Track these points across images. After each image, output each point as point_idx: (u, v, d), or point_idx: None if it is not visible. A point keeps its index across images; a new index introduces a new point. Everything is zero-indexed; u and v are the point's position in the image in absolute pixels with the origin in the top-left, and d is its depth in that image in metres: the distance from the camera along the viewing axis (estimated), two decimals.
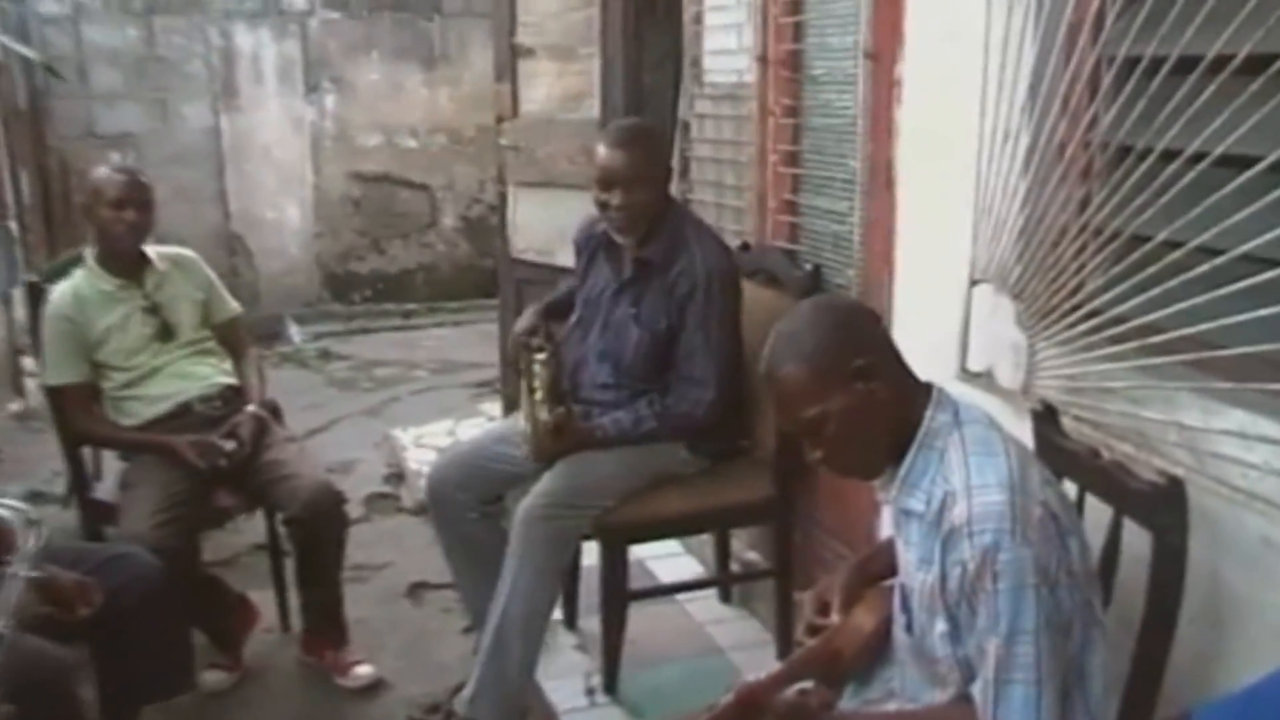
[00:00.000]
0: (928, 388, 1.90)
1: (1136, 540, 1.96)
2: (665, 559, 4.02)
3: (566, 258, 3.61)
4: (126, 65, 7.63)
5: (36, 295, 3.54)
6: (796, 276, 3.23)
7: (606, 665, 3.23)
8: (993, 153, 2.40)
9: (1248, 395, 1.89)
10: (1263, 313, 1.80)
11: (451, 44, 8.30)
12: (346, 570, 3.68)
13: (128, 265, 3.48)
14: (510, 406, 4.55)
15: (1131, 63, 2.05)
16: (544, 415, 3.09)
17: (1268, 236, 1.77)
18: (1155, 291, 2.02)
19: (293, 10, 7.98)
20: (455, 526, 3.33)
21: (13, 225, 6.11)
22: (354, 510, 4.70)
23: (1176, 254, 1.97)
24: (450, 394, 6.54)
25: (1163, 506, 1.89)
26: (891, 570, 2.06)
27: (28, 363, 5.91)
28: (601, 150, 3.09)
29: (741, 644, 3.54)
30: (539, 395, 3.10)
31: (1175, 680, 1.91)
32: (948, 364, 2.58)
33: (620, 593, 3.20)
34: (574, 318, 3.34)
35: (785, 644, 3.33)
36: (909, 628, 1.93)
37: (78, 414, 3.45)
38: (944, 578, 1.79)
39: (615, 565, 3.16)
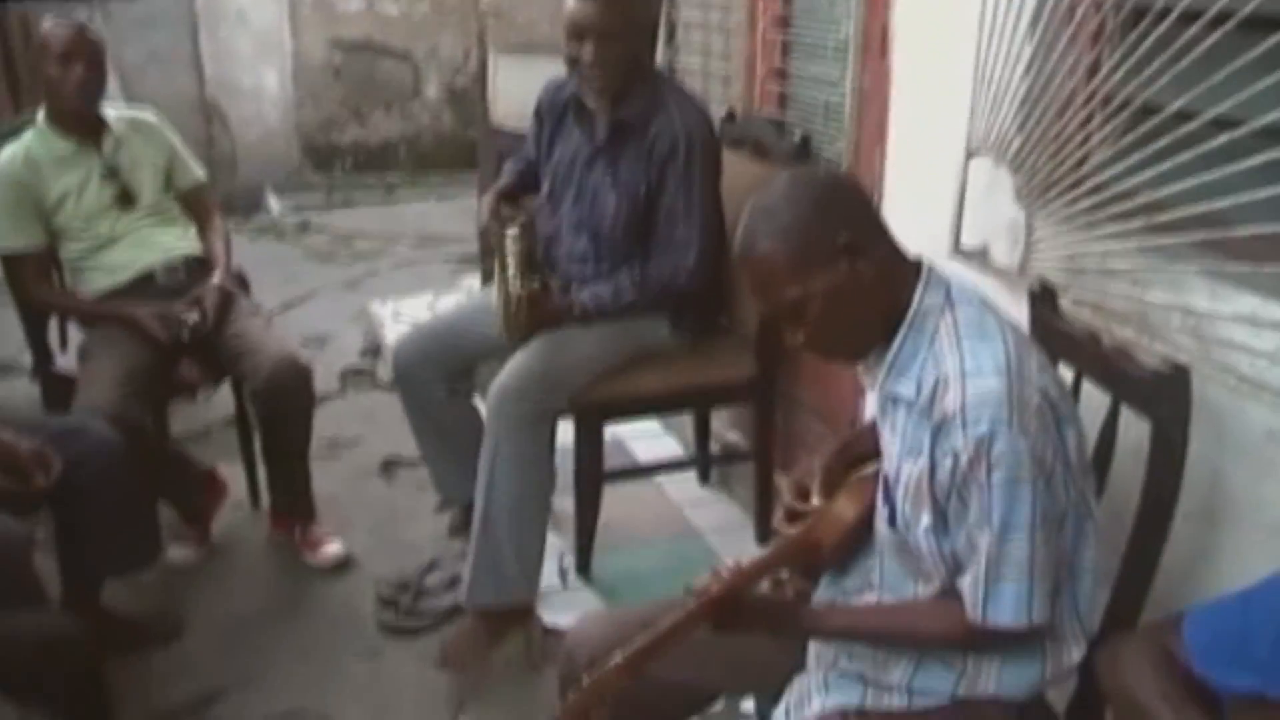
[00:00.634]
0: (917, 266, 1.76)
1: (1134, 430, 1.86)
2: (645, 439, 3.95)
3: None
4: None
5: None
6: (784, 147, 3.08)
7: (579, 546, 3.17)
8: (995, 14, 2.24)
9: (1260, 278, 1.78)
10: (1278, 189, 1.67)
11: None
12: (318, 445, 3.59)
13: (82, 126, 3.31)
14: (489, 280, 4.42)
15: None
16: (517, 290, 2.96)
17: None
18: (1165, 166, 1.89)
19: None
20: (424, 404, 3.23)
21: None
22: (329, 385, 4.63)
23: (1190, 126, 1.84)
24: (431, 268, 6.40)
25: (1164, 395, 1.78)
26: (874, 456, 1.95)
27: None
28: (570, 1, 2.89)
29: (719, 526, 3.47)
30: (511, 271, 2.97)
31: (1166, 577, 1.82)
32: (940, 241, 2.46)
33: (594, 472, 3.11)
34: (544, 189, 3.17)
35: (764, 527, 3.26)
36: (891, 520, 1.82)
37: (34, 282, 3.31)
38: (933, 468, 1.68)
39: (589, 443, 3.06)
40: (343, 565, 3.45)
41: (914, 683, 1.81)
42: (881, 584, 1.89)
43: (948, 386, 1.65)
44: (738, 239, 1.74)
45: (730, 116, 3.37)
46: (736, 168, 3.17)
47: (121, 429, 2.89)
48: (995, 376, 1.62)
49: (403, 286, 5.96)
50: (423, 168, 8.28)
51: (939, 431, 1.65)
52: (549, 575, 3.17)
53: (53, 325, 3.51)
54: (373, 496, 3.89)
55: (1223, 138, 1.76)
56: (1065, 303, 2.09)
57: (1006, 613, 1.66)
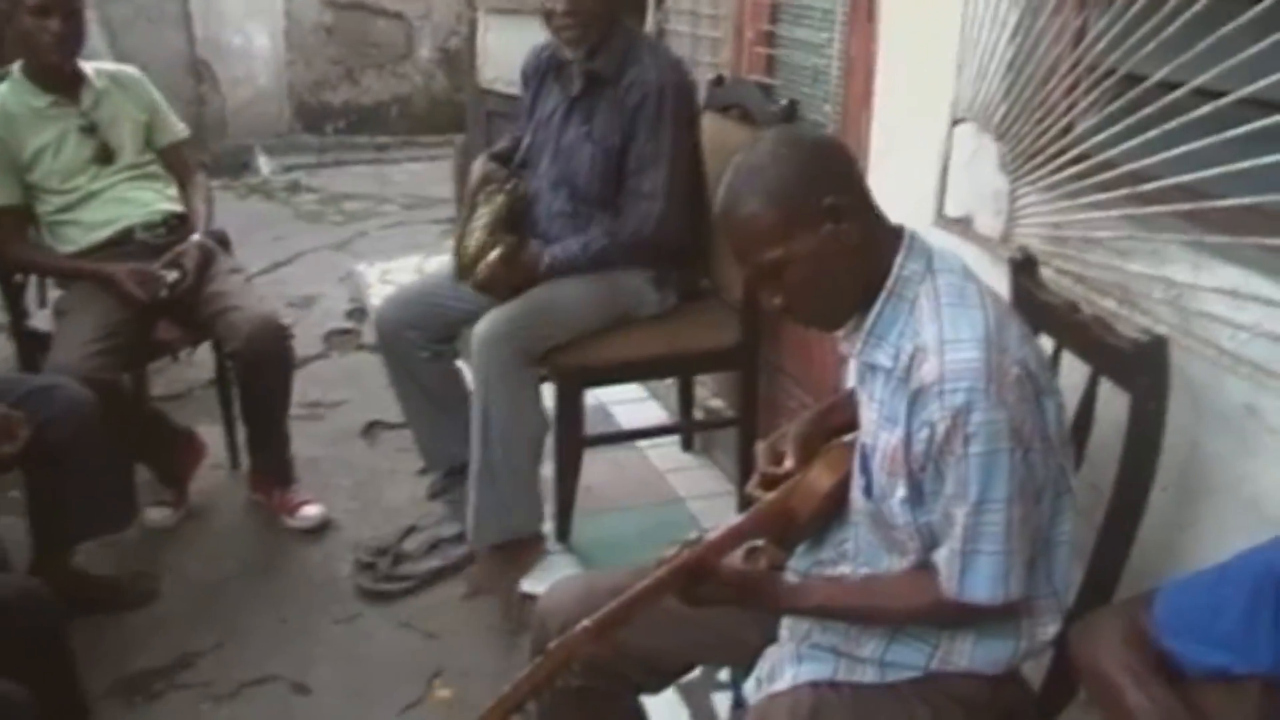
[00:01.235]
0: (899, 232, 1.73)
1: (1113, 402, 1.84)
2: (629, 404, 3.93)
3: None
4: None
5: None
6: (771, 111, 3.03)
7: (559, 511, 3.15)
8: None
9: (1243, 250, 1.75)
10: (1264, 160, 1.64)
11: None
12: (301, 407, 3.58)
13: (60, 81, 3.26)
14: None
15: None
16: (480, 235, 2.96)
17: (1272, 78, 1.60)
18: (1149, 135, 1.86)
19: None
20: (407, 366, 3.22)
21: None
22: (314, 346, 4.61)
23: (1174, 95, 1.80)
24: (420, 229, 6.37)
25: (1143, 366, 1.75)
26: (852, 424, 1.91)
27: None
28: None
29: (701, 493, 3.45)
30: (483, 221, 2.96)
31: (1142, 549, 1.80)
32: (924, 208, 2.43)
33: (574, 436, 3.09)
34: (525, 143, 3.16)
35: (746, 495, 3.23)
36: (868, 490, 1.79)
37: (9, 239, 3.27)
38: (909, 439, 1.65)
39: (569, 408, 3.04)
40: (322, 528, 3.44)
41: (887, 656, 1.79)
42: (856, 555, 1.87)
43: (926, 355, 1.62)
44: (720, 196, 1.70)
45: (719, 80, 3.33)
46: (724, 132, 3.14)
47: (96, 389, 2.86)
48: (974, 347, 1.59)
49: (391, 248, 5.93)
50: (414, 129, 8.24)
51: (916, 401, 1.62)
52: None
53: (31, 283, 3.48)
54: (354, 459, 3.87)
55: (1207, 107, 1.73)
56: (1047, 272, 2.07)
57: (982, 587, 1.64)
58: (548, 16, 2.92)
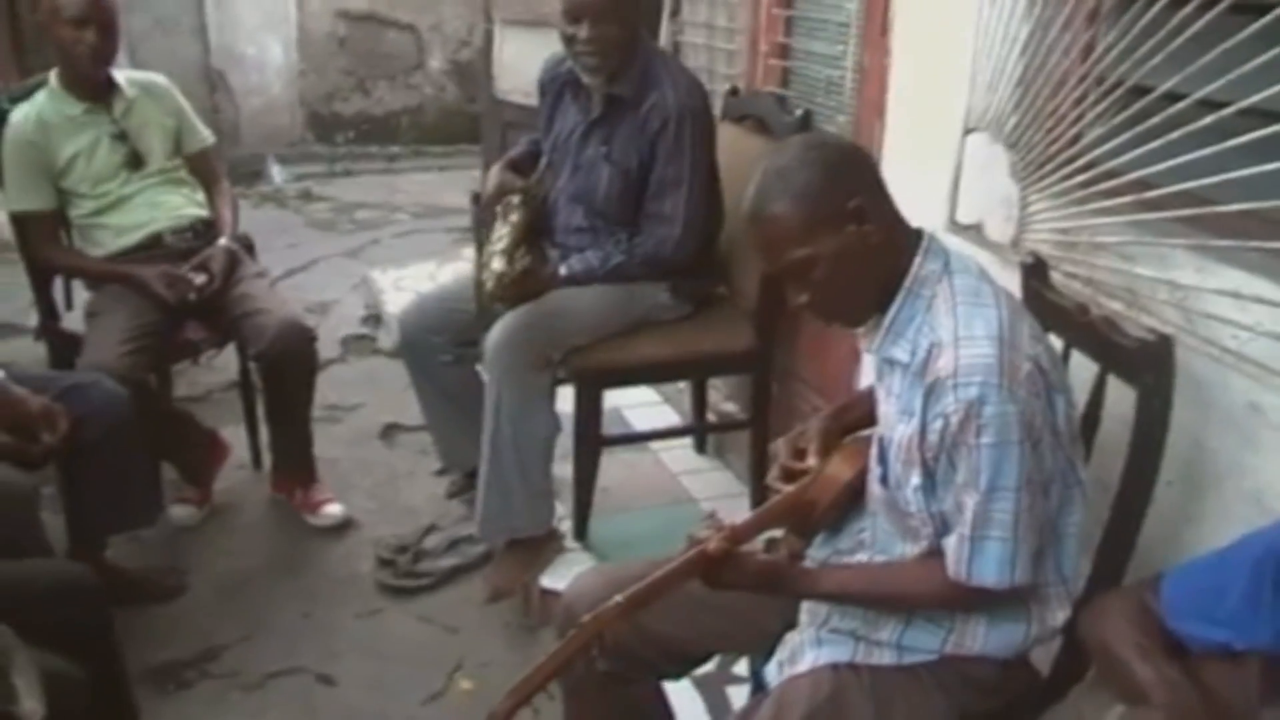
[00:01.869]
0: (918, 234, 1.82)
1: (1121, 399, 1.92)
2: (642, 408, 4.00)
3: None
4: None
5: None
6: (786, 121, 3.12)
7: (577, 510, 3.22)
8: None
9: (1244, 254, 1.83)
10: (1265, 168, 1.73)
11: None
12: (320, 410, 3.65)
13: (94, 89, 3.35)
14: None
15: None
16: (500, 266, 3.01)
17: (1273, 90, 1.68)
18: (1155, 144, 1.94)
19: None
20: (428, 369, 3.29)
21: None
22: (331, 351, 4.68)
23: (1178, 106, 1.89)
24: (432, 238, 6.44)
25: (1149, 364, 1.83)
26: (869, 420, 2.00)
27: None
28: None
29: (715, 494, 3.52)
30: (503, 244, 3.02)
31: (1148, 541, 1.88)
32: (937, 215, 2.51)
33: (593, 436, 3.16)
34: (543, 162, 3.23)
35: (759, 495, 3.31)
36: (884, 480, 1.88)
37: (44, 242, 3.37)
38: (924, 430, 1.73)
39: (588, 408, 3.11)
40: (342, 526, 3.51)
41: (903, 640, 1.87)
42: (873, 544, 1.95)
43: (941, 350, 1.70)
44: (749, 198, 1.78)
45: (734, 92, 3.42)
46: (739, 142, 3.22)
47: (127, 387, 2.94)
48: (987, 343, 1.68)
49: (403, 256, 6.01)
50: (425, 140, 8.33)
51: (931, 394, 1.71)
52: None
53: (58, 285, 3.56)
54: (373, 460, 3.95)
55: (1210, 118, 1.81)
56: (1056, 275, 2.15)
57: (990, 571, 1.72)
58: (568, 42, 2.97)
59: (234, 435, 3.78)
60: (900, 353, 1.78)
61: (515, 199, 3.08)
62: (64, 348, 3.39)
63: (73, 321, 3.47)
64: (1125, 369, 1.89)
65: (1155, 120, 1.93)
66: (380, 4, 8.16)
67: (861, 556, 1.96)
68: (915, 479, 1.78)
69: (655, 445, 3.77)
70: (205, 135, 3.63)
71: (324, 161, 8.03)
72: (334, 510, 3.51)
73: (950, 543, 1.75)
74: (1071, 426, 1.80)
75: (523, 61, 4.74)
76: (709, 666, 2.32)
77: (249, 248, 3.57)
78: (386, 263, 5.86)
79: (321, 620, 3.11)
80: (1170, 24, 1.89)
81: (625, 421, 3.92)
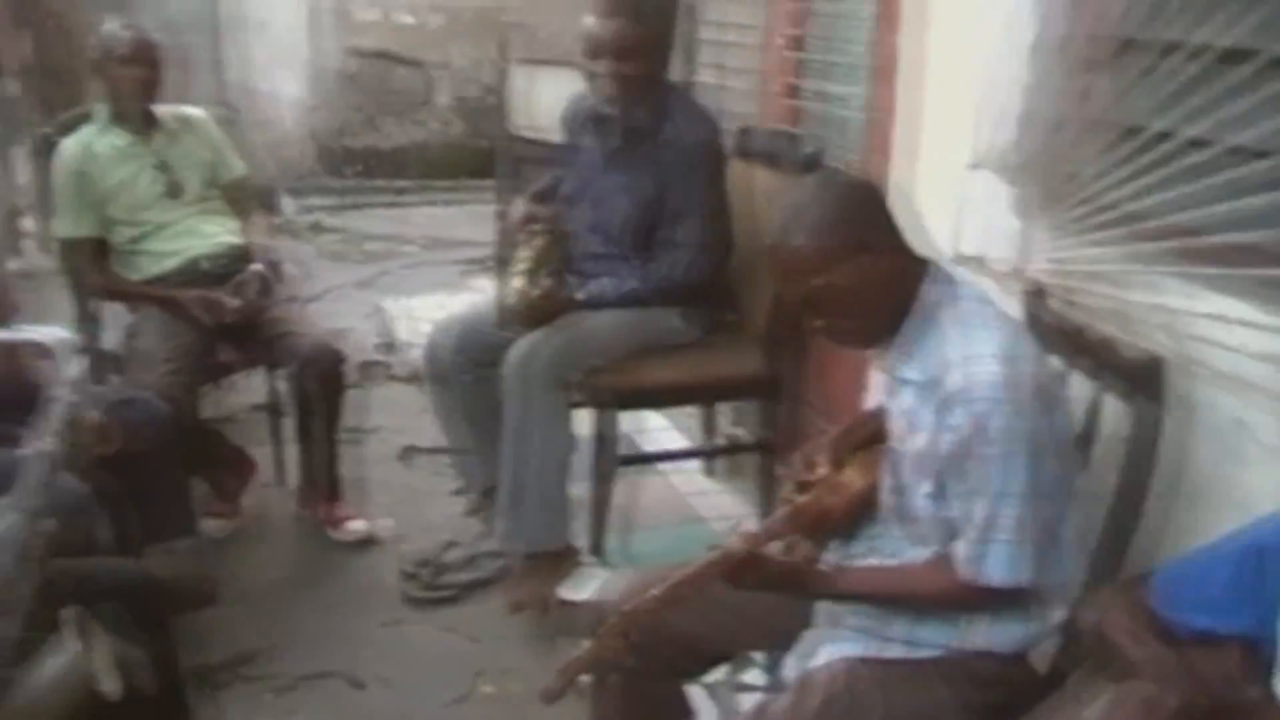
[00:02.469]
0: (926, 263, 1.99)
1: (1115, 416, 2.08)
2: (652, 433, 4.15)
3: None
4: None
5: (48, 148, 3.58)
6: (796, 159, 3.28)
7: (593, 527, 3.35)
8: (998, 42, 2.46)
9: (1230, 281, 1.99)
10: (1249, 201, 1.89)
11: None
12: (340, 432, 3.79)
13: (138, 122, 3.53)
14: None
15: None
16: (521, 285, 3.17)
17: (1255, 130, 1.85)
18: (1147, 179, 2.11)
19: None
20: (451, 388, 3.44)
21: (12, 84, 6.09)
22: (347, 377, 4.81)
23: (1168, 145, 2.06)
24: (441, 269, 6.60)
25: (1142, 384, 2.00)
26: (876, 437, 2.15)
27: (27, 223, 5.95)
28: (589, 20, 3.11)
29: (724, 515, 3.67)
30: (526, 265, 3.18)
31: (1140, 549, 2.03)
32: (942, 248, 2.66)
33: (610, 455, 3.30)
34: (565, 191, 3.40)
35: (768, 515, 3.45)
36: (896, 489, 2.04)
37: (88, 266, 3.54)
38: (936, 441, 1.90)
39: (604, 428, 3.26)
40: (366, 541, 3.65)
41: (913, 635, 2.01)
42: (884, 550, 2.10)
43: (950, 369, 1.87)
44: (771, 231, 1.96)
45: (745, 130, 3.59)
46: (750, 178, 3.38)
47: (168, 405, 3.09)
48: (993, 361, 1.84)
49: (414, 286, 6.17)
50: (432, 174, 8.50)
51: (942, 409, 1.87)
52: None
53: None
54: (393, 480, 4.09)
55: (1197, 156, 1.98)
56: (1055, 303, 2.31)
57: (999, 571, 1.87)
58: (591, 78, 3.15)
59: (258, 455, 3.91)
60: (911, 372, 1.95)
61: (538, 226, 3.24)
62: (102, 366, 3.54)
63: (109, 342, 3.62)
64: (1120, 388, 2.05)
65: (1147, 158, 2.10)
66: (390, 42, 8.38)
67: (873, 561, 2.11)
68: (925, 487, 1.95)
69: (665, 468, 3.92)
70: (239, 167, 3.80)
71: (334, 194, 8.21)
72: (358, 526, 3.65)
73: (959, 546, 1.91)
74: (1069, 439, 1.96)
75: (537, 98, 4.92)
76: (720, 673, 2.45)
77: (279, 273, 3.73)
78: (397, 293, 6.02)
79: (348, 628, 3.24)
80: (1161, 69, 2.06)
81: (634, 444, 4.05)
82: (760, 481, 3.52)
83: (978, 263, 2.61)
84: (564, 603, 3.19)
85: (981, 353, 1.85)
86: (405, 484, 4.08)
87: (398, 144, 8.57)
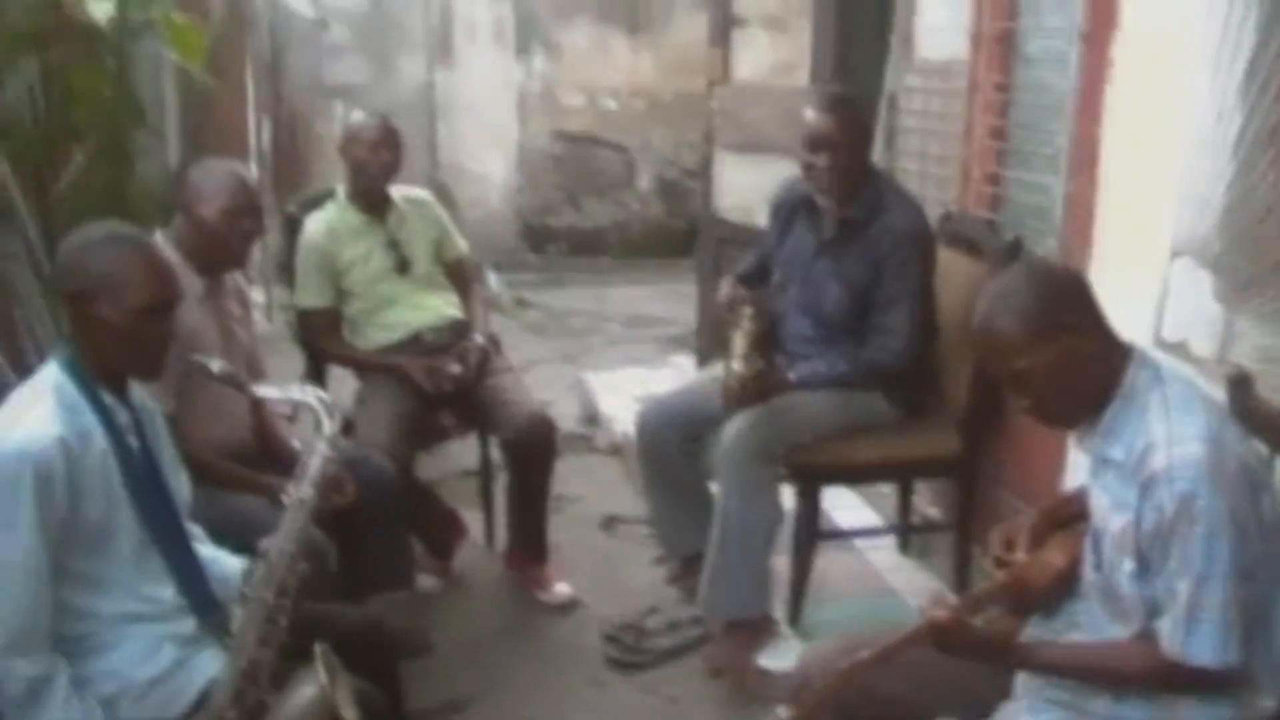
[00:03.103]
0: (1129, 348, 2.06)
1: None
2: (845, 510, 4.22)
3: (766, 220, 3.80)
4: (355, 22, 8.10)
5: (291, 225, 3.91)
6: (996, 246, 3.37)
7: (792, 596, 3.45)
8: (1203, 132, 2.52)
9: None
10: None
11: (656, 10, 8.52)
12: (549, 498, 3.97)
13: (374, 203, 3.82)
14: (704, 359, 4.80)
15: None
16: (739, 368, 3.30)
17: None
18: None
19: None
20: (659, 461, 3.60)
21: (253, 166, 6.58)
22: (557, 449, 5.02)
23: None
24: (641, 346, 6.80)
25: None
26: (1076, 518, 2.22)
27: (257, 294, 6.37)
28: (810, 114, 3.27)
29: (918, 590, 3.70)
30: (740, 350, 3.32)
31: None
32: (1142, 334, 2.71)
33: (811, 528, 3.41)
34: (775, 276, 3.54)
35: (960, 593, 3.49)
36: (1098, 566, 2.10)
37: (323, 334, 3.82)
38: (1139, 520, 1.96)
39: (807, 501, 3.37)
40: (570, 604, 3.80)
41: (1116, 712, 2.04)
42: (1086, 625, 2.15)
43: (1155, 450, 1.93)
44: (977, 316, 2.07)
45: (947, 216, 3.68)
46: (952, 264, 3.47)
47: (394, 463, 3.33)
48: (1198, 443, 1.90)
49: (614, 362, 6.36)
50: (632, 254, 8.74)
51: (1146, 488, 1.94)
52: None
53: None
54: (595, 547, 4.25)
55: None
56: (1260, 389, 2.34)
57: (1205, 651, 1.91)
58: (807, 169, 3.29)
59: (470, 517, 4.12)
60: (1115, 452, 2.02)
61: (748, 309, 3.38)
62: None
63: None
64: None
65: None
66: (594, 125, 8.71)
67: (1075, 636, 2.16)
68: (1128, 565, 2.00)
69: (861, 544, 3.99)
70: (462, 246, 4.07)
71: (536, 271, 8.52)
72: (563, 589, 3.82)
73: (1164, 625, 1.95)
74: (1276, 519, 1.99)
75: (738, 183, 5.09)
76: None
77: (496, 345, 3.95)
78: (598, 368, 6.21)
79: (553, 684, 3.40)
80: None
81: (830, 520, 4.14)
82: (953, 560, 3.57)
83: (1180, 349, 2.65)
84: (762, 671, 3.28)
85: (1186, 434, 1.92)
86: (606, 551, 4.23)
87: (599, 223, 8.87)
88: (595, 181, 8.82)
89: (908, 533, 3.93)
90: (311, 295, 3.79)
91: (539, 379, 6.14)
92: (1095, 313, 2.06)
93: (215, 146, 3.89)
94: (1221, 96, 2.47)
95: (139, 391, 2.25)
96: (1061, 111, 3.20)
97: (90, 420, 2.09)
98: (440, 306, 3.90)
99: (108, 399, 2.13)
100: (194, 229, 3.01)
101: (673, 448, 3.56)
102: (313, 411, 2.43)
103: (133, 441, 2.16)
